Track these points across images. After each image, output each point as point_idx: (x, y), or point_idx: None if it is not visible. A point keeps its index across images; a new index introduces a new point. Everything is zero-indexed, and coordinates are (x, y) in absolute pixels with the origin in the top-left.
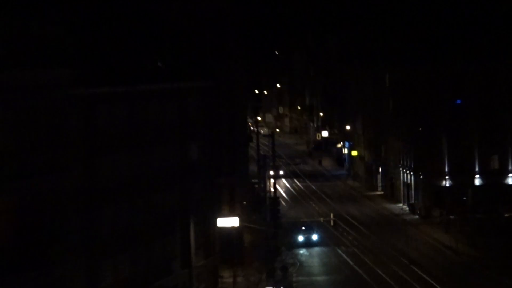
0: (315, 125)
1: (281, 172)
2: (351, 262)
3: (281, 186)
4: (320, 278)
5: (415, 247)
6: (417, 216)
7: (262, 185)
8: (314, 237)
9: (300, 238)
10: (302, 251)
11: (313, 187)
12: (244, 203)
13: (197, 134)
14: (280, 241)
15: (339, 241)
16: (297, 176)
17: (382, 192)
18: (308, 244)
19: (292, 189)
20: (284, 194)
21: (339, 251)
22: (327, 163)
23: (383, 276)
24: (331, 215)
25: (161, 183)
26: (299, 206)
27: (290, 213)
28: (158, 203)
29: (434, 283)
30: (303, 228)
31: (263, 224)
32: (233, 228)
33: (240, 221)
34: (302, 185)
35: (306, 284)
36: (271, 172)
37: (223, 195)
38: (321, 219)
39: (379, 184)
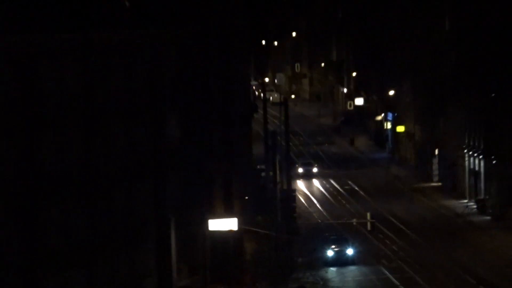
0: (345, 90)
1: (315, 170)
2: (396, 282)
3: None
4: None
5: (485, 260)
6: (488, 217)
7: (271, 174)
8: (349, 251)
9: (329, 253)
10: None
11: (342, 176)
12: (246, 198)
13: (178, 104)
14: (296, 253)
15: (379, 251)
16: (321, 161)
17: (440, 184)
18: (340, 262)
19: (313, 179)
20: (302, 186)
21: (381, 268)
22: (362, 142)
23: None
24: (368, 216)
25: (128, 174)
26: (323, 203)
27: (310, 213)
28: (124, 202)
29: None
30: (332, 237)
31: (272, 228)
32: (230, 233)
33: (240, 223)
34: (327, 173)
35: None
36: (300, 170)
37: (216, 188)
38: (354, 221)
39: (435, 172)
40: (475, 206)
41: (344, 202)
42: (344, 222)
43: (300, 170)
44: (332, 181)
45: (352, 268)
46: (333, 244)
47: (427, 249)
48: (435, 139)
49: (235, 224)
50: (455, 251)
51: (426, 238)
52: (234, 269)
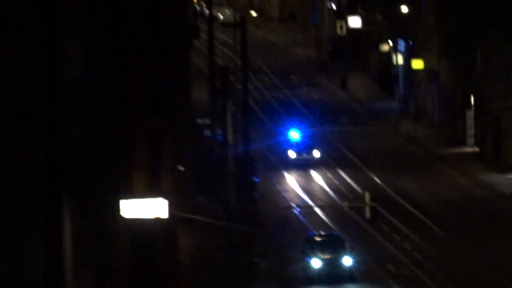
0: (334, 6)
1: (316, 155)
2: None
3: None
4: None
5: None
6: None
7: (220, 131)
8: (346, 261)
9: (315, 263)
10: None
11: (329, 136)
12: (181, 169)
13: (82, 28)
14: (257, 253)
15: (383, 252)
16: (295, 112)
17: (476, 149)
18: (332, 277)
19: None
20: (292, 181)
21: (387, 278)
22: (359, 86)
23: None
24: (367, 197)
25: (5, 130)
26: (299, 178)
27: (278, 194)
28: None
29: None
30: (320, 239)
31: (221, 214)
32: (156, 222)
33: (172, 208)
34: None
35: None
36: (292, 155)
37: (137, 154)
38: (346, 205)
39: (470, 132)
40: None
41: (330, 176)
42: (331, 207)
43: (293, 156)
44: (312, 143)
45: (350, 287)
46: (321, 250)
47: (455, 248)
48: (470, 83)
49: (165, 208)
50: (497, 251)
51: (454, 232)
52: (163, 276)
